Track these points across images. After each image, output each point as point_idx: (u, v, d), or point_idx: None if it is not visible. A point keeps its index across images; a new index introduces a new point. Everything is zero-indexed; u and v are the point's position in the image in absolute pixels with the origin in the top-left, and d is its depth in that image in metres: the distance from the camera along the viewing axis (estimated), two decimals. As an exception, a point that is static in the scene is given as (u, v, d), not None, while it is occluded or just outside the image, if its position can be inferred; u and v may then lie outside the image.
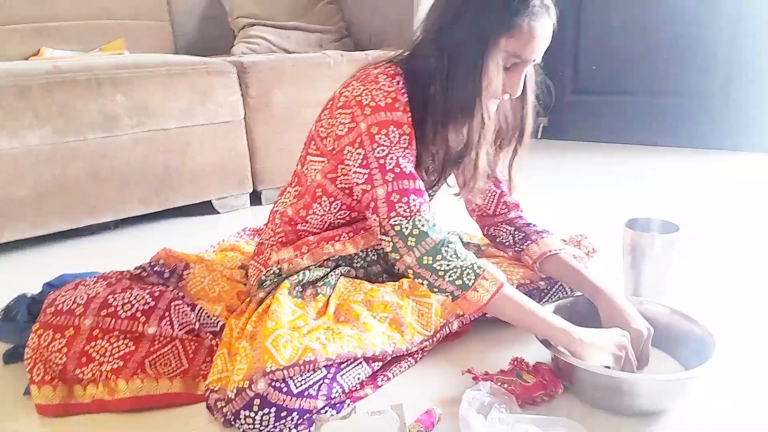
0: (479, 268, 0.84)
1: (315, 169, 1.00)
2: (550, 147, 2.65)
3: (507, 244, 1.12)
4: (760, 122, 2.29)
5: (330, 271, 1.04)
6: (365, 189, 0.88)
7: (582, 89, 2.67)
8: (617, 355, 0.81)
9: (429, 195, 1.08)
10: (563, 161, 2.41)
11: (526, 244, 1.08)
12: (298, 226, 1.05)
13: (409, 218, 0.85)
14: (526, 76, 0.92)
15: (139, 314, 0.92)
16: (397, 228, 0.86)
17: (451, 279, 0.84)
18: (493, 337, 1.00)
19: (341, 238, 1.03)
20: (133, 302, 0.94)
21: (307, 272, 1.01)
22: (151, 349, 0.89)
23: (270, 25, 2.13)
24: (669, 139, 2.48)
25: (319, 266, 1.04)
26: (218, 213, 1.79)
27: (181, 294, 1.03)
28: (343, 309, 0.94)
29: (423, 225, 0.85)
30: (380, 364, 0.88)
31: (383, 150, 0.87)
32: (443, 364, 0.93)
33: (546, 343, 0.84)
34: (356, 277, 1.07)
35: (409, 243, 0.85)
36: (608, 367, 0.80)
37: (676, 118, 2.46)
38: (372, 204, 0.88)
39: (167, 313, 0.94)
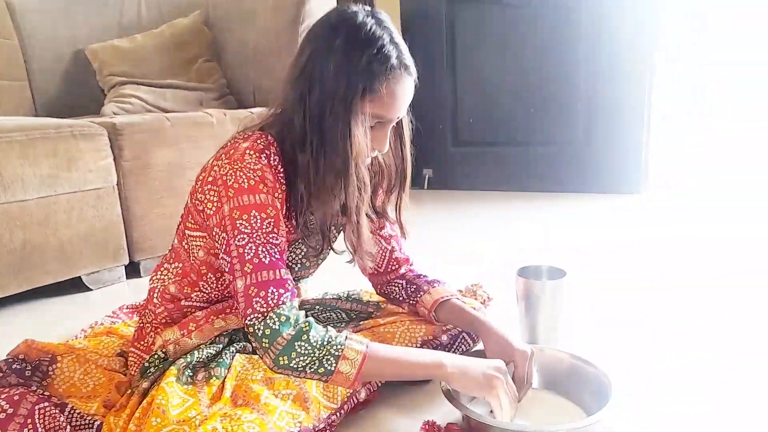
0: (337, 349, 0.80)
1: (197, 246, 0.93)
2: (437, 197, 2.76)
3: (401, 299, 1.11)
4: (619, 166, 2.53)
5: (224, 348, 0.95)
6: (229, 279, 0.83)
7: (461, 141, 2.82)
8: (491, 377, 0.81)
9: (317, 259, 1.04)
10: (452, 210, 2.51)
11: (419, 295, 1.07)
12: (183, 302, 0.96)
13: (263, 316, 0.79)
14: (402, 121, 0.93)
15: (-8, 427, 0.78)
16: (251, 329, 0.80)
17: (313, 370, 0.80)
18: (402, 401, 0.97)
19: (234, 310, 0.96)
20: (-15, 413, 0.78)
21: (196, 352, 0.92)
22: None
23: (144, 83, 2.02)
24: (541, 185, 2.68)
25: (211, 343, 0.95)
26: (90, 290, 1.61)
27: (46, 394, 0.89)
28: (242, 390, 0.86)
29: (275, 323, 0.79)
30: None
31: (243, 238, 0.82)
32: (353, 438, 0.88)
33: (455, 402, 0.83)
34: (254, 352, 0.99)
35: (263, 344, 0.80)
36: None
37: (545, 165, 2.67)
38: (235, 296, 0.82)
39: (30, 420, 0.81)
